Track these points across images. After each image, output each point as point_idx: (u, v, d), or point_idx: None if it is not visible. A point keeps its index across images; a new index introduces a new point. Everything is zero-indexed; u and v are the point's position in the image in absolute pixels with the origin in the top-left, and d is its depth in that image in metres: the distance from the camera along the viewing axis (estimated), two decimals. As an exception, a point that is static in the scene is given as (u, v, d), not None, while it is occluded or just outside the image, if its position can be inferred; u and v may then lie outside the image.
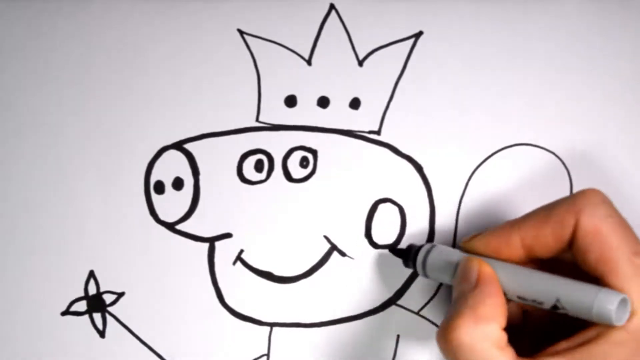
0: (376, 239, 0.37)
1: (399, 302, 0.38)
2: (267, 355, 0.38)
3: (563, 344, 0.29)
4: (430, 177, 0.37)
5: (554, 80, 0.37)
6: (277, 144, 0.37)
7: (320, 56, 0.37)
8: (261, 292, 0.38)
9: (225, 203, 0.37)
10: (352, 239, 0.37)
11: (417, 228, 0.37)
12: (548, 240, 0.30)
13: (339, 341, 0.38)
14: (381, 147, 0.37)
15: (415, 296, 0.37)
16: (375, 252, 0.37)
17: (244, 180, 0.37)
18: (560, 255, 0.31)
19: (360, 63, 0.37)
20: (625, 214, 0.30)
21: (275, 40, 0.37)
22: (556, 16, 0.37)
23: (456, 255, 0.33)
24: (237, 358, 0.38)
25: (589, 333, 0.28)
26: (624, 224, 0.29)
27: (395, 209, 0.37)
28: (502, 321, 0.29)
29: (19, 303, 0.38)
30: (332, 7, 0.37)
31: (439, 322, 0.37)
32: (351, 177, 0.37)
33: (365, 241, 0.37)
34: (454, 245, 0.37)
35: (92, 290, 0.38)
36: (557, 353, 0.28)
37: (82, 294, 0.38)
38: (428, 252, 0.34)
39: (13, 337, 0.38)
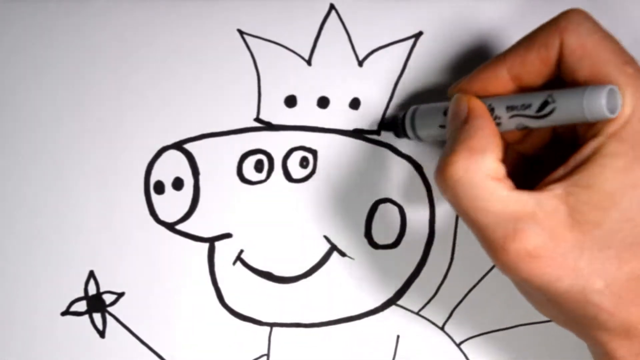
0: (376, 239, 0.37)
1: (399, 302, 0.38)
2: (267, 355, 0.38)
3: (560, 171, 0.28)
4: (430, 177, 0.37)
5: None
6: (277, 144, 0.37)
7: (320, 56, 0.37)
8: (261, 292, 0.38)
9: (225, 203, 0.37)
10: (352, 239, 0.37)
11: (417, 228, 0.37)
12: (535, 65, 0.29)
13: (339, 341, 0.38)
14: (381, 147, 0.37)
15: (415, 296, 0.37)
16: (375, 252, 0.37)
17: (243, 180, 0.37)
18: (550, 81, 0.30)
19: (360, 63, 0.37)
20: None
21: (275, 41, 0.37)
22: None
23: (444, 105, 0.32)
24: (237, 358, 0.38)
25: (584, 151, 0.27)
26: (609, 38, 0.28)
27: (395, 209, 0.37)
28: (497, 152, 0.28)
29: (19, 303, 0.38)
30: (332, 7, 0.37)
31: (439, 323, 0.38)
32: (351, 177, 0.37)
33: (365, 241, 0.37)
34: (454, 245, 0.37)
35: (92, 290, 0.38)
36: (555, 181, 0.28)
37: (82, 294, 0.38)
38: (414, 112, 0.34)
39: (13, 337, 0.38)
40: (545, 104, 0.28)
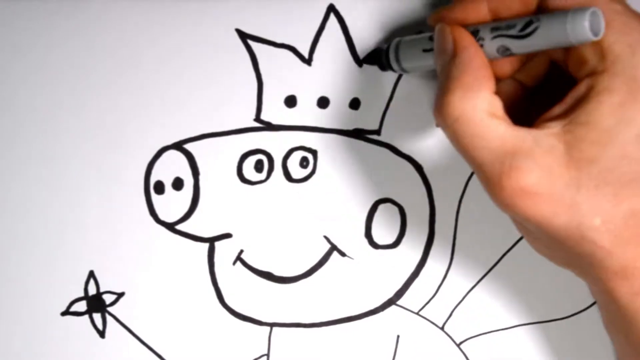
0: (376, 239, 0.37)
1: (398, 302, 0.38)
2: (267, 355, 0.38)
3: (557, 108, 0.28)
4: (430, 177, 0.37)
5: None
6: (277, 144, 0.37)
7: (320, 56, 0.37)
8: (261, 292, 0.38)
9: (225, 203, 0.37)
10: (352, 239, 0.37)
11: (417, 228, 0.37)
12: (515, 2, 0.29)
13: (339, 341, 0.38)
14: (381, 147, 0.37)
15: (415, 296, 0.37)
16: (375, 252, 0.37)
17: (244, 180, 0.37)
18: None
19: (360, 63, 0.37)
20: None
21: (275, 41, 0.37)
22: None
23: (427, 35, 0.32)
24: (237, 358, 0.38)
25: (580, 88, 0.28)
26: None
27: (395, 209, 0.37)
28: (490, 85, 0.28)
29: (19, 303, 0.38)
30: (331, 6, 0.37)
31: (439, 323, 0.38)
32: (351, 177, 0.37)
33: (365, 241, 0.37)
34: (454, 245, 0.37)
35: (92, 290, 0.38)
36: (552, 118, 0.28)
37: (82, 294, 0.38)
38: (398, 43, 0.34)
39: (13, 337, 0.38)
40: (529, 22, 0.28)
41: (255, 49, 0.37)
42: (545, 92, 0.32)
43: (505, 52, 0.29)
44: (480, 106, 0.28)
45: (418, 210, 0.37)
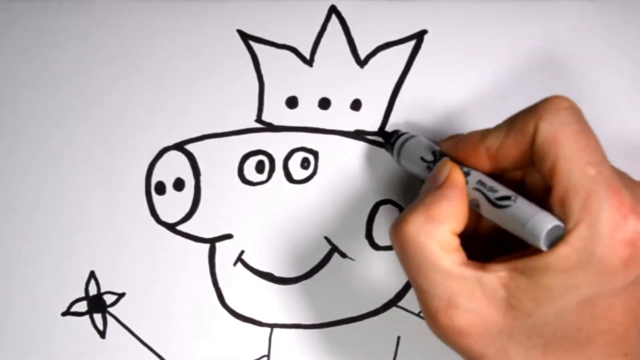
0: (377, 240, 0.37)
1: (399, 303, 0.38)
2: (268, 356, 0.38)
3: (515, 253, 0.28)
4: (431, 178, 0.37)
5: (557, 79, 0.37)
6: (278, 145, 0.37)
7: (321, 57, 0.37)
8: (262, 293, 0.38)
9: (226, 204, 0.37)
10: (352, 240, 0.37)
11: (418, 229, 0.37)
12: (511, 150, 0.29)
13: (340, 342, 0.38)
14: (382, 148, 0.37)
15: (416, 297, 0.37)
16: (376, 253, 0.37)
17: (244, 181, 0.37)
18: (526, 170, 0.30)
19: (362, 64, 0.37)
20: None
21: (277, 42, 0.37)
22: (558, 15, 0.37)
23: (430, 151, 0.33)
24: (238, 359, 0.38)
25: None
26: (585, 132, 0.27)
27: (396, 211, 0.37)
28: (455, 225, 0.29)
29: (20, 303, 0.38)
30: (333, 7, 0.37)
31: (439, 324, 0.38)
32: (352, 178, 0.37)
33: (366, 242, 0.37)
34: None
35: (92, 290, 0.38)
36: (505, 260, 0.28)
37: (82, 294, 0.38)
38: (407, 140, 0.34)
39: (13, 337, 0.38)
40: (507, 198, 0.28)
41: (257, 50, 0.37)
42: None
43: (475, 207, 0.30)
44: (435, 237, 0.28)
45: (419, 212, 0.37)
